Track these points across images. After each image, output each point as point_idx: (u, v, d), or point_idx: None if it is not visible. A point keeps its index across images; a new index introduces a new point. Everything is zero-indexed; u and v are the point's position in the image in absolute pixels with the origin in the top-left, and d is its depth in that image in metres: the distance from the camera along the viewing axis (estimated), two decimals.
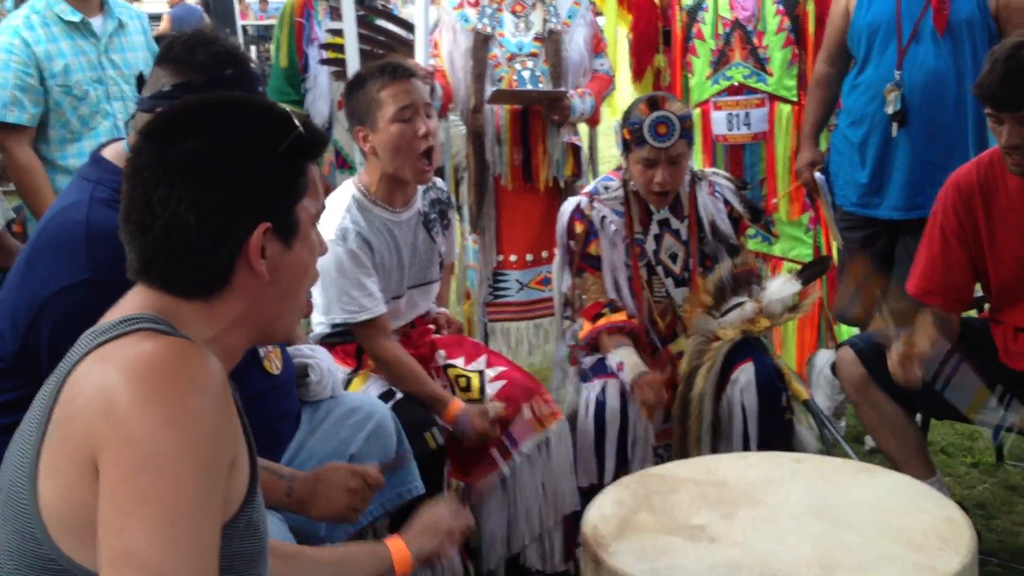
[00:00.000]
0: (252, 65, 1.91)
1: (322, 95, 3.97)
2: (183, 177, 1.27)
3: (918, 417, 2.96)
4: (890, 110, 3.20)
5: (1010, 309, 2.75)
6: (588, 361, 2.97)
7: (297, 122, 1.35)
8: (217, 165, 1.29)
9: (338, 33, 3.64)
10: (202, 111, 1.34)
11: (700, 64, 3.69)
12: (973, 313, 3.09)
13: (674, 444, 2.90)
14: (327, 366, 2.41)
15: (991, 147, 2.85)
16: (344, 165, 4.08)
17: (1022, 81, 2.44)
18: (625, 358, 2.86)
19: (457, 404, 2.67)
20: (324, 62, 3.88)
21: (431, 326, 2.98)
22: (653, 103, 2.89)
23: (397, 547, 1.79)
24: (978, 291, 2.91)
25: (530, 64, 3.66)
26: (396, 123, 2.65)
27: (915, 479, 2.23)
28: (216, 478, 1.19)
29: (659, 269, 3.03)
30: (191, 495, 1.14)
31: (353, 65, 3.43)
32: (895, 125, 3.22)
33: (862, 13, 3.28)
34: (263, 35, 13.08)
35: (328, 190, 4.10)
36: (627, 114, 2.95)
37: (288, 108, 1.41)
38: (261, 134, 1.33)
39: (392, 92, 2.65)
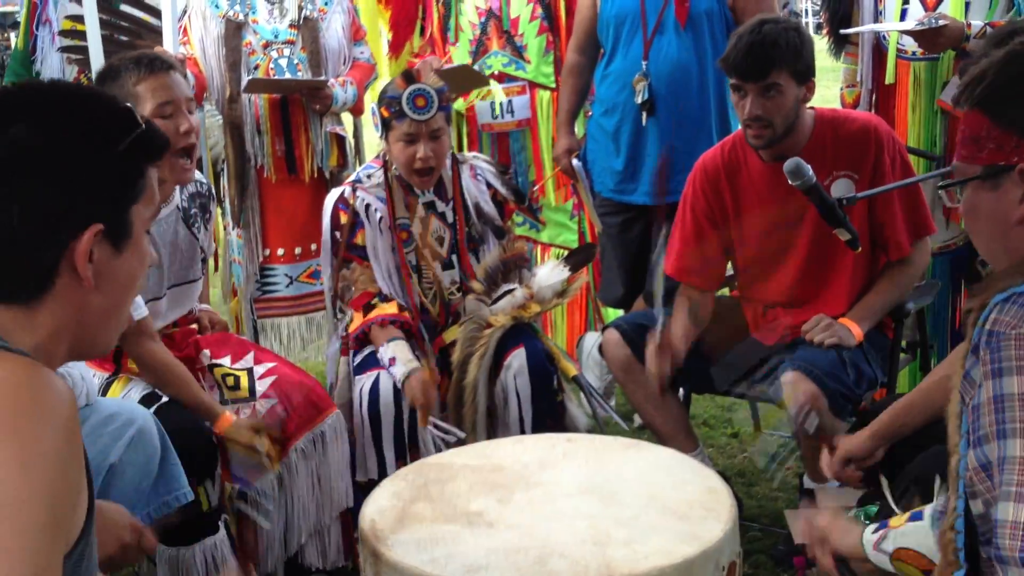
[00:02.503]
0: None
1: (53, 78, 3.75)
2: (8, 168, 1.17)
3: (681, 393, 3.10)
4: (639, 99, 3.32)
5: (756, 285, 2.92)
6: (360, 355, 2.93)
7: (140, 120, 1.27)
8: (50, 158, 1.18)
9: (78, 19, 3.42)
10: (33, 97, 1.23)
11: (460, 55, 3.70)
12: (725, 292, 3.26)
13: None
14: (79, 373, 2.26)
15: (734, 131, 3.02)
16: None
17: (765, 51, 2.58)
18: (397, 353, 2.82)
19: (228, 418, 2.54)
20: (64, 49, 3.64)
21: (194, 326, 2.85)
22: (409, 77, 2.88)
23: None
24: (729, 269, 3.08)
25: (287, 52, 3.57)
26: (155, 119, 2.50)
27: (680, 452, 2.34)
28: (63, 520, 1.11)
29: (426, 253, 3.02)
30: (40, 543, 1.05)
31: (95, 52, 3.24)
32: (644, 114, 3.34)
33: (608, 4, 3.37)
34: (2, 22, 12.24)
35: None
36: (383, 92, 2.93)
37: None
38: (101, 129, 1.23)
39: (151, 86, 2.49)
